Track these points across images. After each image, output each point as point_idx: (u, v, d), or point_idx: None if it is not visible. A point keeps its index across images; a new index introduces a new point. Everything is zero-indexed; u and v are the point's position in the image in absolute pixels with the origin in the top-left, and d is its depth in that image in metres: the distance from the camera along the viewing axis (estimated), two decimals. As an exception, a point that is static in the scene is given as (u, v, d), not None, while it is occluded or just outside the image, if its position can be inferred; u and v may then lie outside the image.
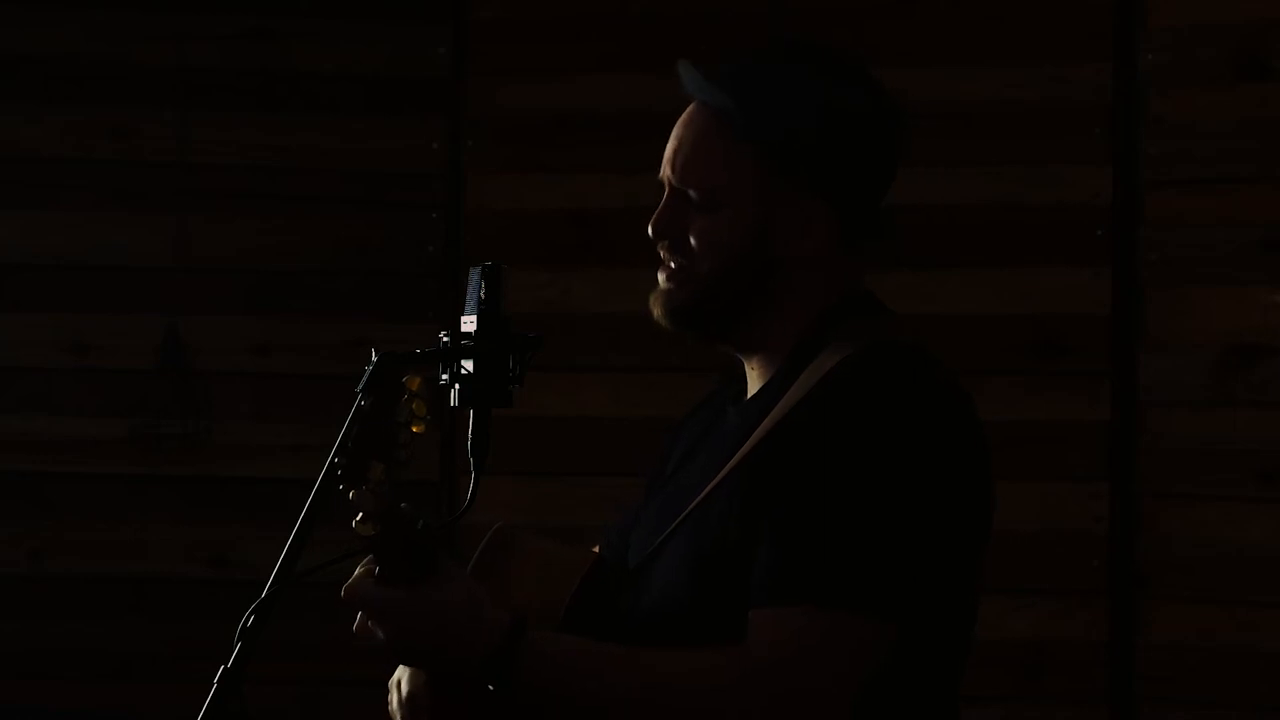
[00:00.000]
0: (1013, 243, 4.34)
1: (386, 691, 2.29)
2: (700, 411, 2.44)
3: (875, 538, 2.10)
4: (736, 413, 2.31)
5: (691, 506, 2.21)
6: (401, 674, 2.27)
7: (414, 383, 2.06)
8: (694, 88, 2.27)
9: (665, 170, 2.28)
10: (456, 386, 2.18)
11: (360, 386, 2.13)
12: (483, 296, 2.18)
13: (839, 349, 2.20)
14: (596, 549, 2.45)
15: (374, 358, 2.14)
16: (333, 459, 2.06)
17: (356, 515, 2.05)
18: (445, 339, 2.18)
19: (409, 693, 2.24)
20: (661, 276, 2.29)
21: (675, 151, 2.27)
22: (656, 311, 2.29)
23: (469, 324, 2.18)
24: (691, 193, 2.25)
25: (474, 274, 2.19)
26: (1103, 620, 4.26)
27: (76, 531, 4.53)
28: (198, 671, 2.21)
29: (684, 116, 2.28)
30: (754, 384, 2.31)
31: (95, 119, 4.54)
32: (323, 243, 4.56)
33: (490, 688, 2.11)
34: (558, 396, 4.40)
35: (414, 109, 4.57)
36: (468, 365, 2.17)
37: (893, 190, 4.57)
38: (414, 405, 2.05)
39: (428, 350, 2.18)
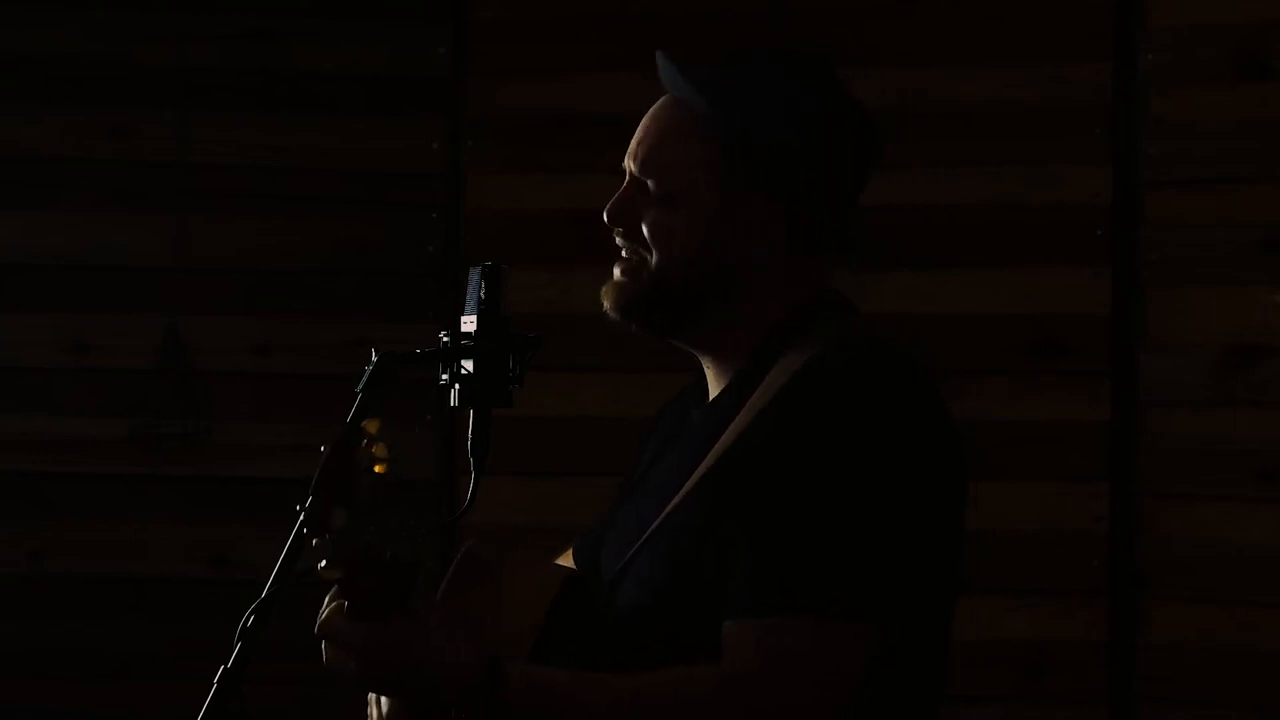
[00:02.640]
0: (1013, 243, 4.33)
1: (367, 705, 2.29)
2: (671, 409, 2.43)
3: (848, 542, 2.08)
4: (700, 415, 2.30)
5: (661, 517, 2.19)
6: None
7: (372, 425, 2.04)
8: (669, 81, 2.27)
9: (628, 160, 2.27)
10: (456, 386, 2.18)
11: (360, 386, 2.13)
12: (483, 296, 2.18)
13: (803, 350, 2.19)
14: (570, 551, 2.44)
15: (374, 358, 2.14)
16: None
17: (320, 561, 2.04)
18: (445, 339, 2.18)
19: (387, 710, 2.23)
20: (616, 270, 2.28)
21: (640, 142, 2.27)
22: (606, 303, 2.28)
23: (469, 324, 2.18)
24: (650, 184, 2.25)
25: (474, 274, 2.19)
26: (1103, 620, 4.26)
27: (76, 531, 4.53)
28: (198, 671, 2.21)
29: (654, 108, 2.28)
30: (715, 385, 2.30)
31: (95, 119, 4.54)
32: (323, 243, 4.56)
33: None
34: (558, 396, 4.40)
35: (414, 109, 4.57)
36: (468, 365, 2.17)
37: (892, 190, 4.58)
38: (374, 449, 2.04)
39: (428, 350, 2.18)
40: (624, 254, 2.27)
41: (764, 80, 2.24)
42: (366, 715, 2.28)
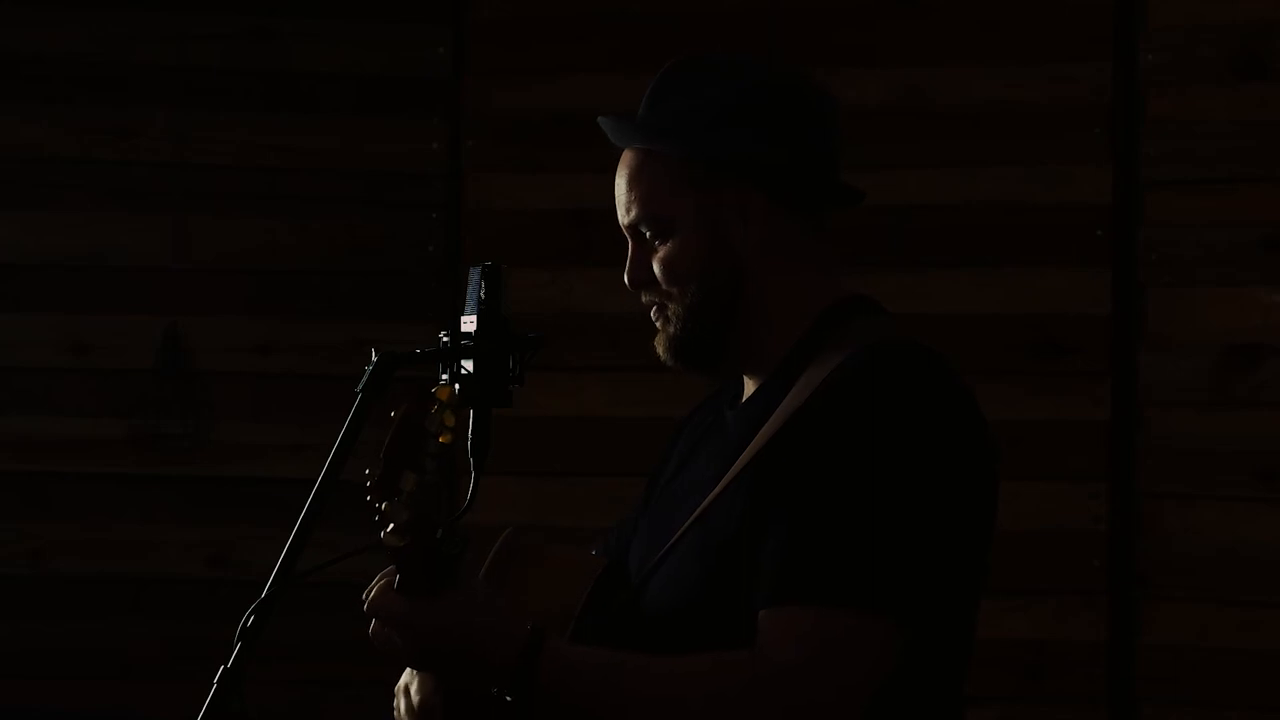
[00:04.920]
0: (1013, 243, 4.33)
1: (389, 693, 2.29)
2: (700, 412, 2.45)
3: (885, 537, 2.10)
4: (735, 416, 2.31)
5: (698, 510, 2.21)
6: (410, 679, 2.27)
7: (444, 392, 2.05)
8: (614, 137, 2.31)
9: (620, 220, 2.31)
10: (456, 386, 2.18)
11: (360, 386, 2.13)
12: (483, 296, 2.19)
13: (840, 349, 2.20)
14: (594, 552, 2.45)
15: (374, 358, 2.14)
16: (331, 462, 2.06)
17: (387, 526, 2.05)
18: (445, 339, 2.18)
19: (420, 700, 2.24)
20: (658, 324, 2.31)
21: (618, 198, 2.30)
22: (662, 355, 2.31)
23: (469, 324, 2.18)
24: (644, 228, 2.28)
25: (474, 274, 2.20)
26: (1103, 620, 4.26)
27: (76, 531, 4.53)
28: (198, 671, 2.21)
29: (619, 165, 2.31)
30: (750, 386, 2.32)
31: (95, 119, 4.54)
32: (323, 243, 4.56)
33: (508, 698, 2.11)
34: (558, 396, 4.40)
35: (414, 109, 4.57)
36: (468, 365, 2.17)
37: (893, 190, 4.57)
38: (444, 416, 2.05)
39: (428, 350, 2.18)
40: (656, 308, 2.30)
41: (691, 88, 2.27)
42: (394, 707, 2.28)
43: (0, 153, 4.54)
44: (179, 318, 4.54)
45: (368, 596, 2.14)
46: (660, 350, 2.31)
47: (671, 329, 2.29)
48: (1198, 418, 4.22)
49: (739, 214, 2.25)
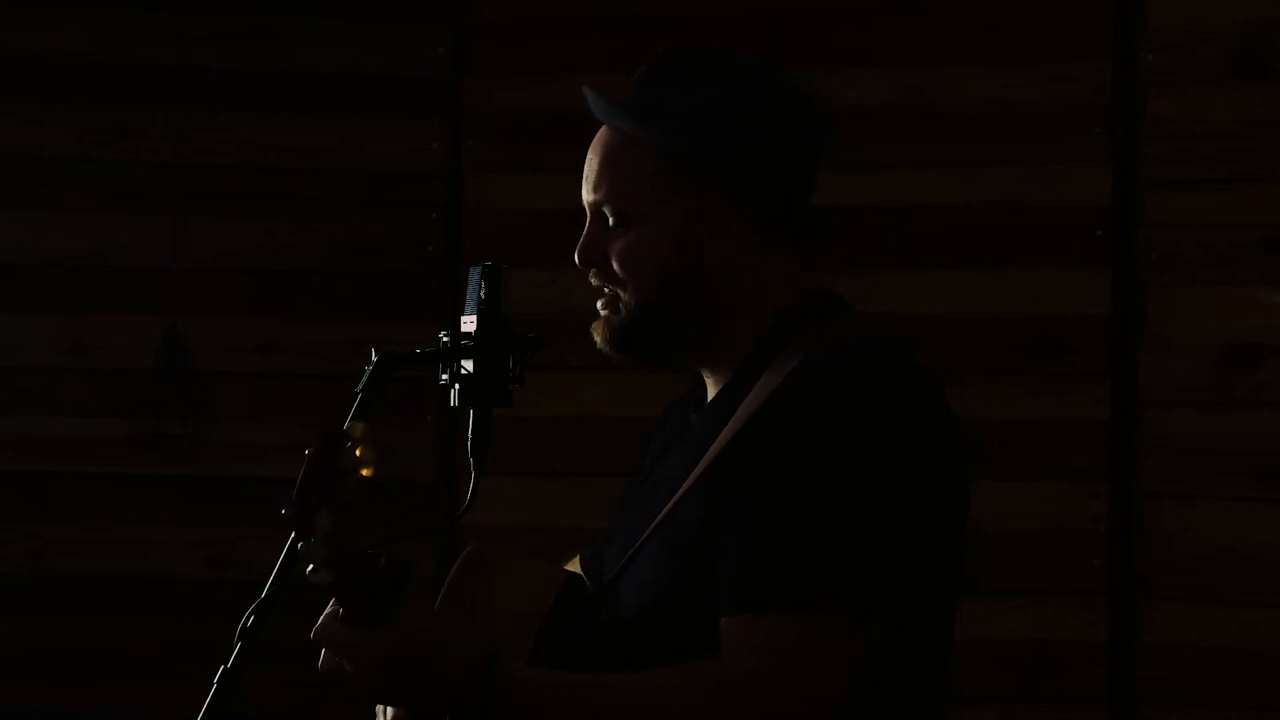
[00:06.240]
0: (1013, 243, 4.33)
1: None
2: (673, 413, 2.43)
3: (838, 538, 2.07)
4: (699, 418, 2.29)
5: (661, 515, 2.19)
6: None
7: (356, 429, 2.03)
8: (599, 113, 2.28)
9: (584, 195, 2.28)
10: (456, 386, 2.18)
11: (360, 386, 2.13)
12: (483, 296, 2.19)
13: (800, 347, 2.18)
14: (578, 559, 2.44)
15: (374, 358, 2.14)
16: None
17: (308, 566, 2.02)
18: (445, 339, 2.18)
19: (393, 717, 2.24)
20: (599, 306, 2.29)
21: (588, 174, 2.27)
22: (598, 340, 2.29)
23: (469, 324, 2.18)
24: (606, 210, 2.25)
25: (474, 274, 2.20)
26: (1103, 620, 4.26)
27: (76, 531, 4.53)
28: (198, 671, 2.21)
29: (595, 140, 2.28)
30: (713, 389, 2.30)
31: (95, 119, 4.54)
32: (323, 243, 4.56)
33: None
34: (558, 396, 4.40)
35: (414, 109, 4.57)
36: (468, 365, 2.17)
37: (892, 190, 4.57)
38: (357, 451, 2.02)
39: (428, 350, 2.18)
40: (607, 295, 2.28)
41: (689, 84, 2.24)
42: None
43: (0, 153, 4.54)
44: (179, 318, 4.54)
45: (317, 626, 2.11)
46: (598, 337, 2.28)
47: (617, 319, 2.26)
48: (1198, 418, 4.22)
49: (723, 214, 2.23)
